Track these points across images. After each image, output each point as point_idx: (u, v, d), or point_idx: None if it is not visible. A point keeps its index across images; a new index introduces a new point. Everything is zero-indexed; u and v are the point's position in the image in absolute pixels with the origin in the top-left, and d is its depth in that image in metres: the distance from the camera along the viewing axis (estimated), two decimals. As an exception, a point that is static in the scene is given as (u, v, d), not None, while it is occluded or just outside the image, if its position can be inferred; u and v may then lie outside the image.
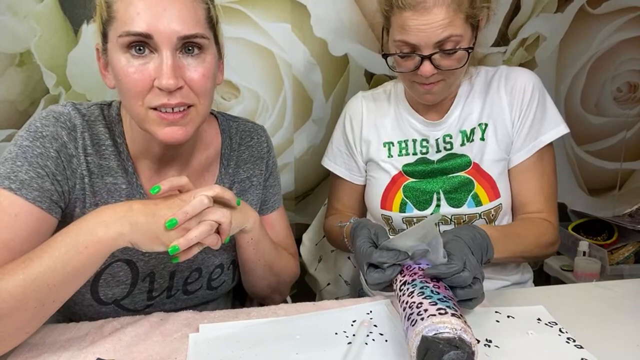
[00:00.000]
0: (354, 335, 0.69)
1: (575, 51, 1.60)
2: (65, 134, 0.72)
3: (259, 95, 1.44)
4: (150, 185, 0.79)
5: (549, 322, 0.72)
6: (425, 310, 0.59)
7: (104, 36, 0.69)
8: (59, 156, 0.71)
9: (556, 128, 0.94)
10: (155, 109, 0.68)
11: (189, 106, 0.70)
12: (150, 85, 0.67)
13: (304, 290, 1.56)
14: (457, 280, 0.67)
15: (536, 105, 0.94)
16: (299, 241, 1.30)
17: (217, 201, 0.70)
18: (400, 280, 0.70)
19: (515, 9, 1.51)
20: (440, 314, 0.58)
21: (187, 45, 0.68)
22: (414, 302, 0.62)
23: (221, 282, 0.87)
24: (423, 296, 0.63)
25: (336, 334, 0.70)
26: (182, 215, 0.64)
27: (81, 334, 0.71)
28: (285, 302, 0.95)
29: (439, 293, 0.63)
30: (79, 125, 0.74)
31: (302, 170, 1.53)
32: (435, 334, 0.55)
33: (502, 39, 1.53)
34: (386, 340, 0.68)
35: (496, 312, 0.75)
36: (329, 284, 1.27)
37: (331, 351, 0.66)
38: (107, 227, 0.61)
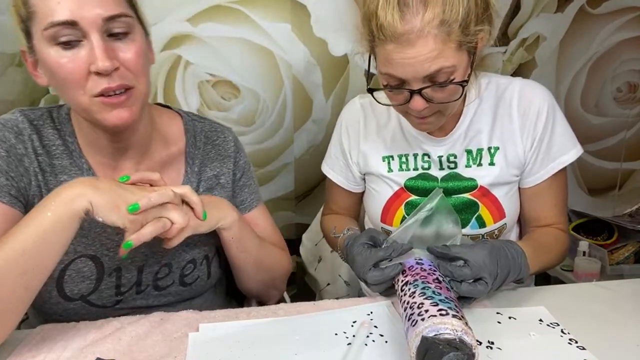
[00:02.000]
0: (353, 336, 0.69)
1: (575, 51, 1.60)
2: (12, 137, 0.74)
3: (259, 95, 1.44)
4: None
5: (551, 323, 0.72)
6: (426, 311, 0.59)
7: (27, 34, 0.69)
8: (9, 155, 0.73)
9: (573, 149, 0.90)
10: (97, 95, 0.69)
11: (129, 88, 0.71)
12: (87, 72, 0.67)
13: (304, 290, 1.56)
14: (459, 274, 0.69)
15: (551, 128, 0.89)
16: (299, 241, 1.30)
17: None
18: (402, 281, 0.70)
19: (515, 9, 1.51)
20: (441, 314, 0.57)
21: (113, 27, 0.69)
22: (415, 303, 0.62)
23: (195, 278, 0.86)
24: (424, 297, 0.62)
25: (336, 334, 0.70)
26: (145, 201, 0.65)
27: (81, 333, 0.71)
28: (285, 302, 0.95)
29: (440, 294, 0.63)
30: (27, 128, 0.76)
31: (302, 170, 1.53)
32: (436, 334, 0.55)
33: (502, 39, 1.53)
34: (386, 342, 0.68)
35: (497, 313, 0.75)
36: (329, 284, 1.26)
37: (330, 352, 0.66)
38: (71, 188, 0.64)
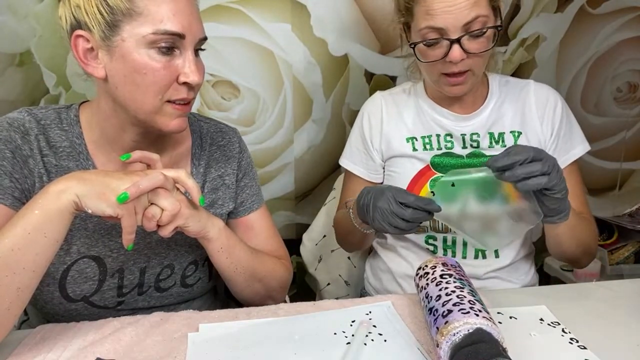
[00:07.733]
0: (353, 335, 0.69)
1: (575, 51, 1.60)
2: (18, 137, 0.74)
3: (259, 95, 1.44)
4: None
5: (552, 322, 0.72)
6: (480, 311, 0.60)
7: (111, 26, 0.68)
8: (14, 156, 0.73)
9: (583, 144, 0.99)
10: (171, 101, 0.73)
11: (191, 101, 0.76)
12: (174, 80, 0.72)
13: (304, 290, 1.56)
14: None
15: (566, 122, 0.97)
16: (299, 241, 1.30)
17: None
18: (444, 271, 0.70)
19: (515, 9, 1.51)
20: (493, 323, 0.59)
21: (199, 47, 0.75)
22: (464, 296, 0.63)
23: (196, 280, 0.86)
24: (474, 297, 0.63)
25: (335, 334, 0.70)
26: (133, 189, 0.63)
27: (81, 334, 0.71)
28: (285, 302, 0.95)
29: (484, 305, 0.64)
30: (34, 128, 0.76)
31: (302, 170, 1.53)
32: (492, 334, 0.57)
33: (502, 39, 1.53)
34: (385, 340, 0.68)
35: (498, 312, 0.75)
36: (329, 284, 1.26)
37: (330, 351, 0.66)
38: (56, 184, 0.63)
